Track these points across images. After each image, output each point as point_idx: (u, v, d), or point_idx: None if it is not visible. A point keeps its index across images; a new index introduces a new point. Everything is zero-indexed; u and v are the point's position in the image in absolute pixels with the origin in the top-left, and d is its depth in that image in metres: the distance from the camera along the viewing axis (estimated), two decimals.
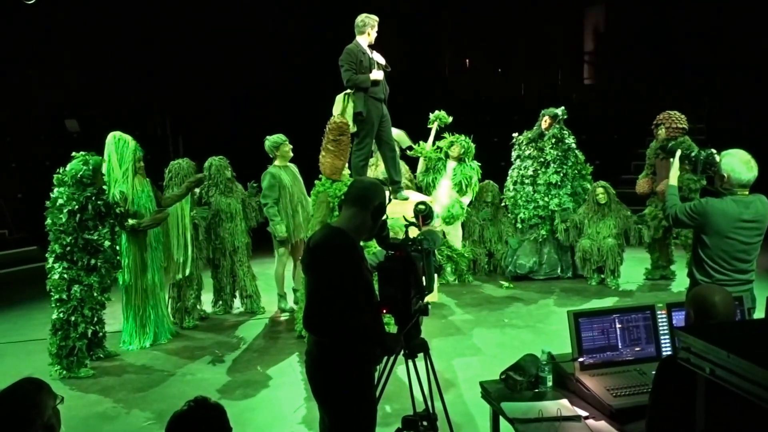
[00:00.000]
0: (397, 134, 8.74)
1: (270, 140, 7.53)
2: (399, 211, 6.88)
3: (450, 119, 8.87)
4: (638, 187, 8.37)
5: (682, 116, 8.05)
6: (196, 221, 7.30)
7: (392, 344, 3.18)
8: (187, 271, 7.17)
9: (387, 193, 3.26)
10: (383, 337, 3.16)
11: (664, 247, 8.52)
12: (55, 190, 5.87)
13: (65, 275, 5.83)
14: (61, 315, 5.88)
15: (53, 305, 5.93)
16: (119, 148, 6.37)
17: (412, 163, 9.15)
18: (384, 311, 3.29)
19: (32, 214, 7.58)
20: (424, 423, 3.57)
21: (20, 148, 12.11)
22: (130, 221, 6.31)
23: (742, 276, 4.21)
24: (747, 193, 4.22)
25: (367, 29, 7.20)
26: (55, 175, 5.92)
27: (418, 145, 8.84)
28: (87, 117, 12.70)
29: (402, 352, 3.50)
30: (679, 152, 4.50)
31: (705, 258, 4.29)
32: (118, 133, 6.45)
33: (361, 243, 3.26)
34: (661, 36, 13.96)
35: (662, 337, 3.61)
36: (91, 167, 5.88)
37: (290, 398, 5.39)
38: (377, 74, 7.17)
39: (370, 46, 7.27)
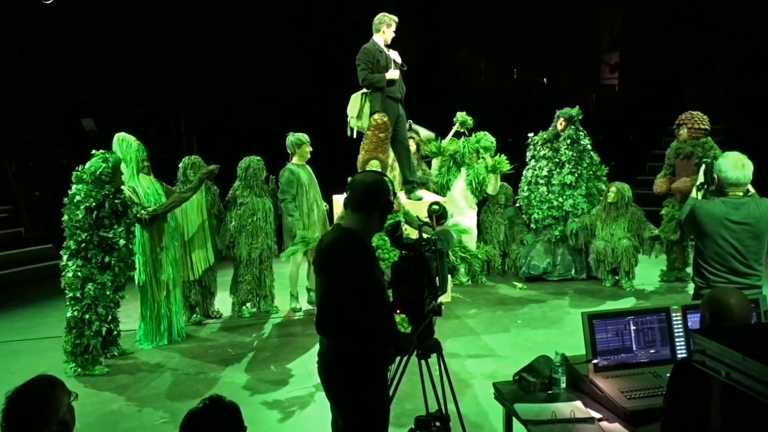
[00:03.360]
0: (426, 135, 8.75)
1: (293, 137, 7.60)
2: (411, 211, 6.89)
3: (472, 123, 8.78)
4: (656, 186, 8.30)
5: (705, 117, 7.95)
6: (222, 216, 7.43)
7: (406, 344, 3.18)
8: (211, 261, 7.27)
9: (390, 185, 3.25)
10: (397, 337, 3.16)
11: (681, 249, 8.46)
12: (74, 187, 5.93)
13: (79, 273, 5.88)
14: (76, 313, 5.93)
15: (67, 303, 5.97)
16: (122, 149, 6.41)
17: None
18: (397, 311, 3.29)
19: (48, 213, 7.65)
20: (437, 423, 3.56)
21: (37, 147, 12.20)
22: (143, 213, 6.34)
23: (742, 280, 4.18)
24: (740, 194, 4.22)
25: (383, 27, 7.20)
26: (74, 173, 5.97)
27: (438, 141, 8.81)
28: (103, 116, 12.79)
29: (415, 353, 3.50)
30: (703, 167, 4.49)
31: (701, 261, 4.32)
32: (121, 134, 6.50)
33: (378, 255, 3.27)
34: (678, 35, 13.87)
35: (677, 340, 3.58)
36: (111, 165, 5.94)
37: (303, 398, 5.41)
38: (393, 73, 7.17)
39: (388, 45, 7.27)
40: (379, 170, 6.79)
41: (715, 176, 4.28)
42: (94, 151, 6.05)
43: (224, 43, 13.23)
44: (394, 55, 7.30)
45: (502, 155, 8.52)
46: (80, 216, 5.82)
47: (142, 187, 6.47)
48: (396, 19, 7.26)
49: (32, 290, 9.07)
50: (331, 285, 3.00)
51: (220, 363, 6.26)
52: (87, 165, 5.97)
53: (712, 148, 7.73)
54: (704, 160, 4.62)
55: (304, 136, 7.62)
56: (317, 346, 3.26)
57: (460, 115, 8.82)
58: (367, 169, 6.79)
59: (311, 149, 7.64)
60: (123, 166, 6.34)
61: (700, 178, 4.49)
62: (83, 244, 5.85)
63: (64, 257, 5.95)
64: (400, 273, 3.24)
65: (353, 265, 2.99)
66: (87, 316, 5.93)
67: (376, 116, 6.98)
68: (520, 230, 9.20)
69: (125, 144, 6.42)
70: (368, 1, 10.50)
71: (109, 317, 6.12)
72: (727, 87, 13.15)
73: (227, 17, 13.23)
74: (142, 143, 6.54)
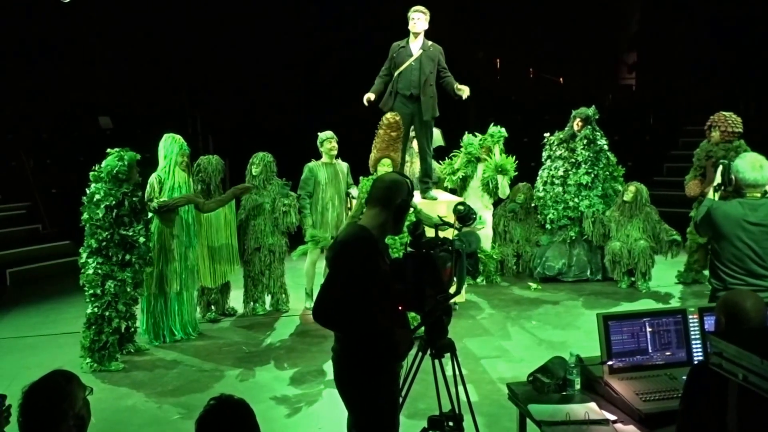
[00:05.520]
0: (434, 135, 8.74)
1: (319, 136, 7.66)
2: (426, 211, 6.88)
3: (477, 149, 8.64)
4: (688, 189, 8.04)
5: (738, 119, 7.66)
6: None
7: (399, 341, 3.15)
8: (227, 277, 7.36)
9: (409, 187, 3.25)
10: (391, 333, 3.13)
11: (704, 252, 8.31)
12: (92, 185, 5.97)
13: (99, 270, 5.90)
14: (96, 310, 5.96)
15: (87, 300, 6.00)
16: (167, 145, 6.60)
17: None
18: (399, 308, 3.26)
19: (66, 210, 7.72)
20: (450, 423, 3.56)
21: (55, 144, 12.30)
22: (153, 203, 6.38)
23: (759, 282, 4.15)
24: (758, 195, 4.19)
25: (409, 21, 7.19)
26: (91, 173, 6.00)
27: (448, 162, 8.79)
28: (120, 114, 12.87)
29: (429, 352, 3.50)
30: (720, 168, 4.46)
31: (717, 263, 4.29)
32: (169, 134, 6.70)
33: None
34: (696, 36, 13.77)
35: (693, 342, 3.55)
36: (126, 163, 5.96)
37: (316, 395, 5.42)
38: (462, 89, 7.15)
39: (420, 35, 7.18)
40: (391, 169, 6.84)
41: (733, 177, 4.25)
42: (108, 150, 6.07)
43: (240, 41, 13.27)
44: (433, 53, 7.16)
45: (510, 157, 8.49)
46: (100, 215, 5.86)
47: (171, 182, 6.52)
48: (417, 10, 7.13)
49: (49, 286, 9.15)
50: (332, 276, 3.09)
51: (234, 360, 6.29)
52: (103, 164, 6.00)
53: (745, 152, 7.51)
54: (721, 161, 4.59)
55: (327, 134, 7.64)
56: (330, 345, 3.27)
57: (468, 142, 8.70)
58: (379, 167, 6.90)
59: (334, 145, 7.61)
60: (161, 161, 6.51)
61: (717, 179, 4.46)
62: (104, 243, 5.89)
63: (84, 255, 5.98)
64: (398, 270, 3.23)
65: (357, 261, 3.03)
66: (107, 313, 5.96)
67: (388, 115, 6.99)
68: (535, 231, 9.16)
69: (170, 140, 6.62)
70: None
71: (128, 314, 6.17)
72: (745, 87, 13.03)
73: (244, 14, 13.27)
74: (184, 140, 6.70)
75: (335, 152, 7.64)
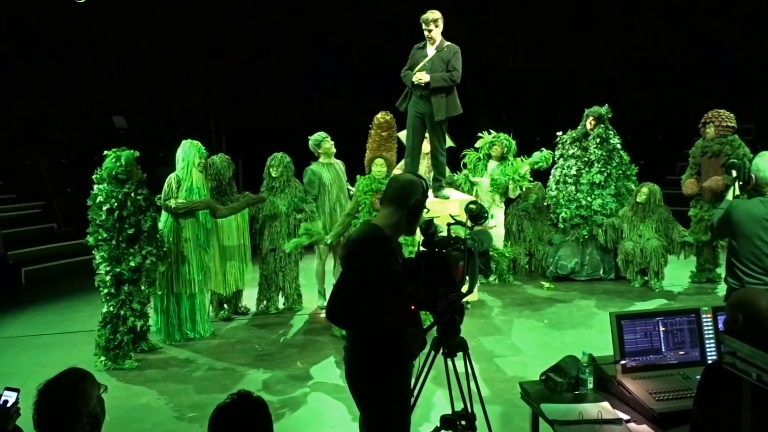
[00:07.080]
0: None
1: (311, 139, 7.62)
2: (438, 209, 6.87)
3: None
4: (685, 188, 8.19)
5: (731, 115, 7.90)
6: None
7: (410, 341, 3.14)
8: (241, 286, 7.44)
9: (424, 187, 3.26)
10: (403, 332, 3.13)
11: (711, 250, 8.34)
12: (95, 187, 5.99)
13: (114, 270, 5.94)
14: (111, 308, 6.00)
15: (103, 300, 6.05)
16: (185, 150, 6.67)
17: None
18: (411, 308, 3.26)
19: (80, 208, 7.76)
20: (463, 422, 3.56)
21: (69, 144, 12.39)
22: (171, 202, 6.42)
23: None
24: None
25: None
26: (94, 175, 6.03)
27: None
28: (134, 114, 12.94)
29: (441, 351, 3.50)
30: (734, 173, 4.44)
31: (735, 261, 4.27)
32: (187, 140, 6.78)
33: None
34: (708, 34, 13.68)
35: (707, 342, 3.54)
36: (123, 162, 5.94)
37: (329, 394, 5.43)
38: (420, 75, 7.04)
39: (434, 41, 7.15)
40: (385, 168, 6.86)
41: (753, 176, 4.22)
42: (105, 152, 6.07)
43: (253, 39, 13.31)
44: (446, 54, 7.06)
45: (533, 184, 8.51)
46: (104, 216, 5.89)
47: (188, 182, 6.58)
48: (425, 18, 7.09)
49: (65, 284, 9.22)
50: (344, 275, 3.11)
51: (247, 359, 6.31)
52: (103, 166, 6.02)
53: (740, 146, 7.68)
54: (733, 160, 4.57)
55: (320, 134, 7.63)
56: (343, 344, 3.28)
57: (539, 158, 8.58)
58: (373, 167, 6.93)
59: (332, 143, 7.63)
60: (179, 164, 6.57)
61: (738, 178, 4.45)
62: (112, 244, 5.91)
63: (98, 256, 6.02)
64: (409, 270, 3.23)
65: (368, 260, 3.05)
66: (122, 312, 6.01)
67: (378, 115, 7.01)
68: (548, 230, 9.12)
69: (189, 144, 6.69)
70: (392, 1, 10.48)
71: (142, 312, 6.21)
72: (758, 86, 12.93)
73: (256, 14, 13.31)
74: (202, 145, 6.79)
75: (334, 150, 7.65)
